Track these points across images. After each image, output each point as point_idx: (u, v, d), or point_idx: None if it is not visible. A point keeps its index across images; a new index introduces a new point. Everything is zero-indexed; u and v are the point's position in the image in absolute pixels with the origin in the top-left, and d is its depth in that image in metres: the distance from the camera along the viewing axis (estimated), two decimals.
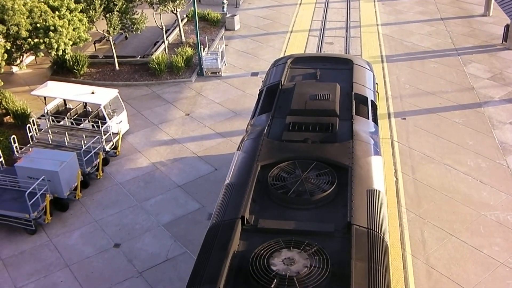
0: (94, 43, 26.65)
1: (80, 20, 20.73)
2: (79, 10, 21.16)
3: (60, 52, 19.83)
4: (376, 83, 14.67)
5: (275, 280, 7.87)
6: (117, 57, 24.27)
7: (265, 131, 11.52)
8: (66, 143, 17.50)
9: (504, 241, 13.57)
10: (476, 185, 15.70)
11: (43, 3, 20.05)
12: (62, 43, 19.54)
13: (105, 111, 18.03)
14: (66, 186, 15.15)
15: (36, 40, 19.23)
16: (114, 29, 22.94)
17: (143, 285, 12.74)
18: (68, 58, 22.82)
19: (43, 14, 19.47)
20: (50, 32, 19.23)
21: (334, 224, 9.08)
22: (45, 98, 18.94)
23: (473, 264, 12.92)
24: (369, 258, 8.34)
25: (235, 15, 29.40)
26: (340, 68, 14.50)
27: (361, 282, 7.86)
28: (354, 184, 9.80)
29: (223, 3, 31.04)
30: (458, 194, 15.33)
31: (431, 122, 19.28)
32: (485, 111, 19.89)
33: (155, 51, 25.54)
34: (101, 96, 18.20)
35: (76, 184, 15.64)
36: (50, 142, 17.70)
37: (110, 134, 17.96)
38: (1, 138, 17.97)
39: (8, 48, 18.84)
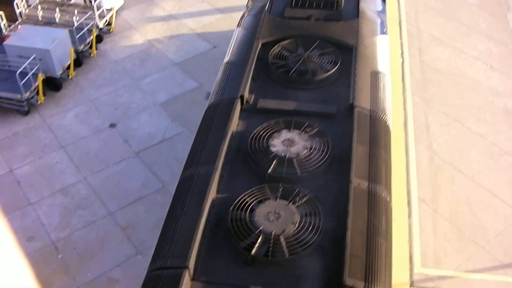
0: None
1: None
2: None
3: None
4: None
5: (274, 162, 7.60)
6: None
7: (266, 7, 10.85)
8: (57, 20, 16.64)
9: (510, 130, 13.23)
10: (485, 70, 15.13)
11: None
12: None
13: None
14: (58, 65, 14.63)
15: None
16: None
17: (139, 166, 12.57)
18: None
19: None
20: None
21: (336, 105, 8.70)
22: None
23: (477, 151, 12.65)
24: (371, 141, 8.03)
25: None
26: None
27: (361, 166, 7.59)
28: (358, 65, 9.31)
29: None
30: (466, 79, 14.81)
31: (442, 1, 18.31)
32: None
33: None
34: None
35: (69, 63, 15.11)
36: (40, 19, 16.85)
37: (103, 9, 17.10)
38: None
39: None
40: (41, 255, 10.87)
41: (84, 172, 12.52)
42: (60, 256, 10.84)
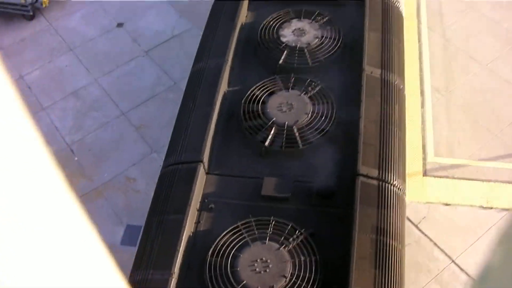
0: None
1: None
2: None
3: None
4: None
5: (285, 52, 7.48)
6: None
7: None
8: None
9: None
10: None
11: None
12: None
13: None
14: None
15: None
16: None
17: (149, 64, 12.44)
18: None
19: None
20: None
21: None
22: None
23: (492, 38, 12.32)
24: (383, 28, 7.84)
25: None
26: None
27: (374, 53, 7.46)
28: None
29: None
30: None
31: None
32: None
33: None
34: None
35: None
36: None
37: None
38: None
39: None
40: (57, 159, 10.92)
41: (95, 74, 12.44)
42: (76, 158, 10.94)
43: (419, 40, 12.30)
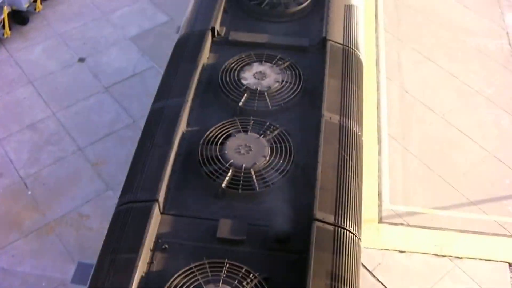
0: None
1: None
2: None
3: None
4: None
5: (245, 94, 7.51)
6: None
7: None
8: None
9: (481, 69, 13.24)
10: (459, 9, 15.01)
11: None
12: None
13: None
14: None
15: None
16: None
17: (109, 100, 12.37)
18: None
19: None
20: None
21: (308, 38, 8.57)
22: None
23: (448, 90, 12.67)
24: (343, 76, 7.96)
25: None
26: None
27: (333, 99, 7.55)
28: None
29: None
30: (439, 17, 14.67)
31: None
32: None
33: None
34: None
35: None
36: None
37: None
38: None
39: None
40: (10, 192, 10.73)
41: (53, 108, 12.29)
42: (29, 192, 10.73)
43: (378, 89, 12.55)
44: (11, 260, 9.69)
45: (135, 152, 7.16)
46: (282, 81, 7.72)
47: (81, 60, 13.38)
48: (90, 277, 6.34)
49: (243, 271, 5.85)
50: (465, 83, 12.86)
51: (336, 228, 6.22)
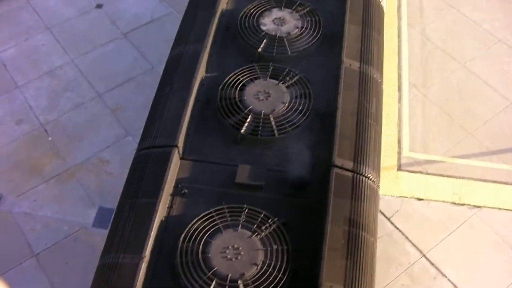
0: None
1: None
2: None
3: None
4: None
5: (265, 40, 7.43)
6: None
7: None
8: None
9: (505, 17, 12.92)
10: None
11: None
12: None
13: None
14: None
15: None
16: None
17: (127, 47, 12.31)
18: None
19: None
20: None
21: None
22: None
23: (471, 38, 12.42)
24: (364, 22, 7.83)
25: None
26: None
27: (353, 46, 7.45)
28: None
29: None
30: None
31: None
32: None
33: None
34: None
35: None
36: None
37: None
38: None
39: None
40: (30, 138, 10.83)
41: (71, 54, 12.27)
42: (49, 138, 10.81)
43: (399, 36, 12.34)
44: (33, 205, 9.86)
45: (154, 98, 7.17)
46: (302, 27, 7.62)
47: (99, 6, 13.27)
48: (110, 222, 6.45)
49: (261, 216, 5.91)
50: (488, 32, 12.59)
51: (355, 174, 6.23)
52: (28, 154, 10.55)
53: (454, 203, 9.58)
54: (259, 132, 6.57)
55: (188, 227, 5.82)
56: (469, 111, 10.99)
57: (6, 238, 9.45)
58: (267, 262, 5.58)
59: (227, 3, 8.17)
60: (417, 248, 9.03)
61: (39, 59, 12.25)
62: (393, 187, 9.75)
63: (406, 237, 9.15)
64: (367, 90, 7.09)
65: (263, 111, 6.67)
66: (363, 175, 6.25)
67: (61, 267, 9.03)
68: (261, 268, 5.54)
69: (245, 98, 6.79)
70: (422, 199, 9.59)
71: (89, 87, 11.59)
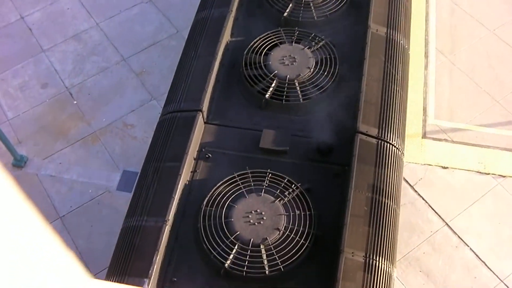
0: None
1: None
2: None
3: None
4: None
5: (291, 4, 7.35)
6: None
7: None
8: None
9: None
10: None
11: None
12: None
13: None
14: None
15: None
16: None
17: (152, 10, 12.25)
18: None
19: None
20: None
21: None
22: None
23: (500, 4, 12.10)
24: None
25: None
26: None
27: (380, 11, 7.34)
28: None
29: None
30: None
31: None
32: None
33: None
34: None
35: None
36: None
37: None
38: None
39: None
40: (56, 101, 10.91)
41: (97, 18, 12.26)
42: (75, 102, 10.88)
43: (427, 1, 12.10)
44: (59, 168, 9.98)
45: (179, 63, 7.16)
46: None
47: None
48: (134, 185, 6.51)
49: (285, 181, 5.93)
50: None
51: (379, 141, 6.20)
52: (53, 117, 10.64)
53: (478, 172, 9.49)
54: (284, 97, 6.54)
55: (212, 191, 5.86)
56: (497, 79, 10.81)
57: (32, 201, 9.60)
58: (290, 227, 5.61)
59: None
60: (440, 217, 8.99)
61: (65, 22, 12.26)
62: (417, 154, 9.68)
63: (429, 205, 9.11)
64: (394, 56, 7.00)
65: (288, 76, 6.63)
66: (388, 142, 6.22)
67: (85, 229, 9.17)
68: (283, 233, 5.58)
69: (270, 63, 6.75)
70: (446, 167, 9.52)
71: (114, 51, 11.60)
